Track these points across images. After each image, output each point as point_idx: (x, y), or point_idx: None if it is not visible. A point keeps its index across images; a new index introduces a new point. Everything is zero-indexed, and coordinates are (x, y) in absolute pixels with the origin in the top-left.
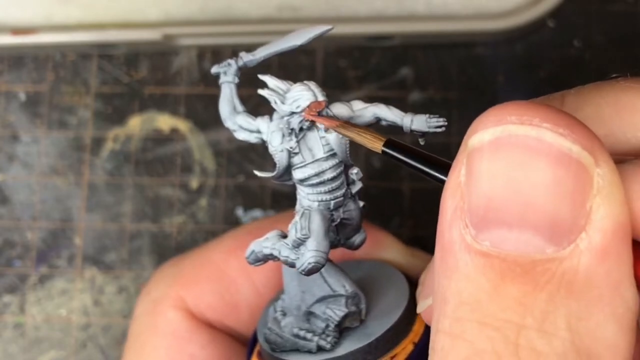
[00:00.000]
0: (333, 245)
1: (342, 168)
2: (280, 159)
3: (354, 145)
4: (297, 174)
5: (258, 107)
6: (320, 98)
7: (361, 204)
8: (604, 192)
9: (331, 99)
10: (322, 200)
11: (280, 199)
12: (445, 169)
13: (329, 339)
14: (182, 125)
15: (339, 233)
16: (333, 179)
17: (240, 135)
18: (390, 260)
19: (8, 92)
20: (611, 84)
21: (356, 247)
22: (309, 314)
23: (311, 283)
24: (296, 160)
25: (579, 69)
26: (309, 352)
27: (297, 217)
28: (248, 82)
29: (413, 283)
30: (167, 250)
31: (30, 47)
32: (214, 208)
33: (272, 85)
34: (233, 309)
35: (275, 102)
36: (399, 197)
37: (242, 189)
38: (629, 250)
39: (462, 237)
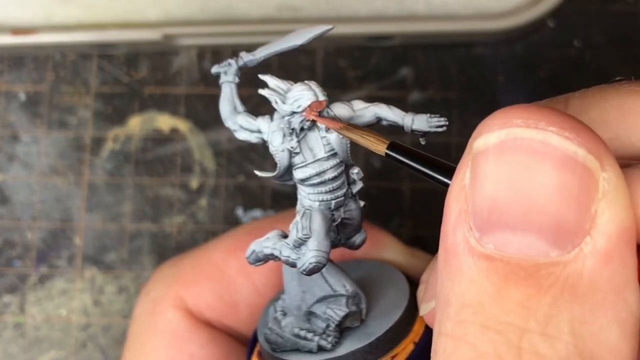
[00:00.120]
0: (334, 245)
1: (343, 168)
2: (281, 158)
3: (354, 145)
4: (298, 174)
5: (258, 106)
6: (321, 98)
7: (362, 203)
8: (609, 196)
9: (331, 98)
10: (323, 200)
11: (280, 199)
12: (449, 171)
13: (329, 338)
14: (182, 125)
15: (339, 233)
16: (334, 178)
17: (241, 135)
18: (390, 260)
19: (8, 92)
20: (616, 87)
21: (357, 247)
22: (310, 314)
23: (312, 283)
24: (297, 160)
25: (579, 69)
26: (310, 352)
27: (298, 217)
28: (248, 81)
29: (413, 283)
30: (167, 250)
31: (30, 47)
32: (214, 208)
33: (273, 85)
34: (232, 309)
35: (276, 102)
36: (399, 197)
37: (242, 189)
38: (633, 254)
39: (465, 239)
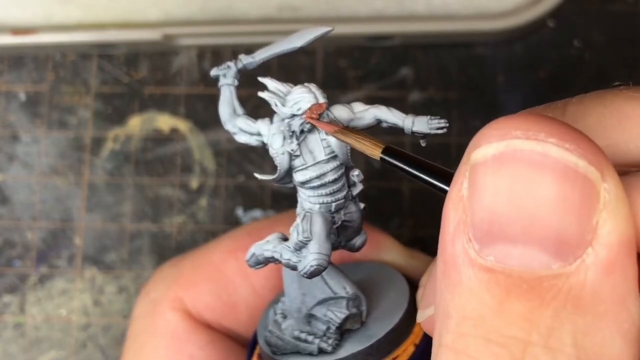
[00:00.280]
0: (334, 247)
1: (343, 170)
2: (281, 161)
3: None
4: (298, 177)
5: (257, 108)
6: (321, 100)
7: (362, 205)
8: (610, 206)
9: (331, 99)
10: (323, 203)
11: (280, 199)
12: (444, 176)
13: (330, 341)
14: (182, 125)
15: (339, 235)
16: (334, 181)
17: (241, 138)
18: (390, 262)
19: (8, 92)
20: (614, 93)
21: (357, 249)
22: (310, 317)
23: (312, 285)
24: (297, 162)
25: (579, 69)
26: (310, 354)
27: (298, 220)
28: (247, 83)
29: (413, 285)
30: (167, 250)
31: (30, 47)
32: (214, 208)
33: (272, 88)
34: (231, 310)
35: (276, 105)
36: (398, 198)
37: (242, 189)
38: (634, 264)
39: (465, 251)
